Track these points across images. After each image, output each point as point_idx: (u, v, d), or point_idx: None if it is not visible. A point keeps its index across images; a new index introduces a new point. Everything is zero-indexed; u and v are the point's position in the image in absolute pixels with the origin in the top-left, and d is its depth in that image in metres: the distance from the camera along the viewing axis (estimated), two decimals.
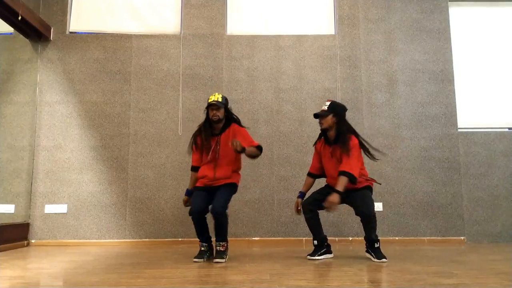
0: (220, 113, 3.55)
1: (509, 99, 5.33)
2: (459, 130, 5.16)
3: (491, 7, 5.50)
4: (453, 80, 5.24)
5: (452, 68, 5.26)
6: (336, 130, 3.52)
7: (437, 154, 5.07)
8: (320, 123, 3.58)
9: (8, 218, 4.74)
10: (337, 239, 4.79)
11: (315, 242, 3.61)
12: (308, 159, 5.00)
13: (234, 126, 3.65)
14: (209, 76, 5.14)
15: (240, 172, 3.78)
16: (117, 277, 2.70)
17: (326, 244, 3.63)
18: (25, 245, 4.66)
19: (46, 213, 4.82)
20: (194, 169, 3.70)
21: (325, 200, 3.32)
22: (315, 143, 3.78)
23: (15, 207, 4.83)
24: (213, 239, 3.58)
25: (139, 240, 4.80)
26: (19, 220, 4.76)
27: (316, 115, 3.58)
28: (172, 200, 4.88)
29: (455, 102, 5.20)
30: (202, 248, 3.53)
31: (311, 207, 3.59)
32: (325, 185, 3.70)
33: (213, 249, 3.57)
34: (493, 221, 4.99)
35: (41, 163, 4.92)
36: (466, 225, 4.96)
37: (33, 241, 4.77)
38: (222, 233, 3.49)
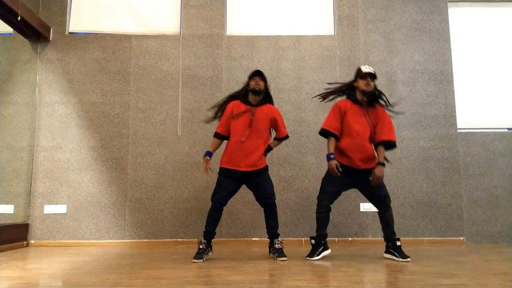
0: (262, 85, 3.51)
1: (509, 99, 5.34)
2: (458, 130, 5.17)
3: (490, 8, 5.50)
4: (453, 80, 5.24)
5: (452, 68, 5.26)
6: (372, 95, 3.53)
7: (437, 154, 5.07)
8: (369, 85, 3.47)
9: (7, 218, 4.73)
10: (336, 239, 4.79)
11: (313, 241, 3.60)
12: (308, 159, 5.01)
13: (270, 106, 3.63)
14: (208, 76, 5.14)
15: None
16: (116, 277, 2.70)
17: (323, 242, 3.61)
18: (24, 245, 4.66)
19: (46, 214, 4.82)
20: (218, 136, 3.63)
21: (372, 177, 3.35)
22: (335, 102, 3.68)
23: (14, 207, 4.82)
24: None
25: (138, 240, 4.80)
26: (18, 220, 4.75)
27: (373, 75, 3.47)
28: (171, 201, 4.88)
29: (454, 103, 5.20)
30: (201, 246, 3.42)
31: (330, 202, 3.57)
32: (342, 172, 3.46)
33: (212, 248, 3.53)
34: (492, 222, 4.99)
35: (41, 163, 4.92)
36: (466, 225, 4.96)
37: (32, 241, 4.76)
38: (277, 225, 3.53)
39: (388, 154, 5.00)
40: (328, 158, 3.44)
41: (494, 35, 5.46)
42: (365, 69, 3.50)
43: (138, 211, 4.86)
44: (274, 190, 3.62)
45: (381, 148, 3.43)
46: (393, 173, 5.01)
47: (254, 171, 3.53)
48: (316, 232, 3.61)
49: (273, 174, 4.98)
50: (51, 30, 5.17)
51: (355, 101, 3.56)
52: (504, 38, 5.46)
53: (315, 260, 3.49)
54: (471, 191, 5.04)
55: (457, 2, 5.50)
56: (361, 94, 3.54)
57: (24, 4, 4.59)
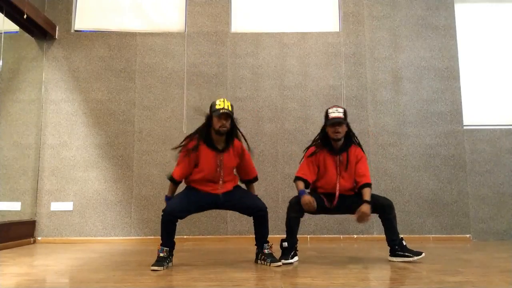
0: (229, 124, 3.06)
1: None
2: (464, 127, 5.14)
3: (496, 4, 5.45)
4: (459, 77, 5.21)
5: (458, 65, 5.22)
6: (345, 139, 3.30)
7: (443, 151, 5.05)
8: (338, 132, 3.20)
9: (14, 215, 4.77)
10: (341, 236, 4.79)
11: (286, 244, 3.27)
12: None
13: (237, 144, 3.19)
14: (213, 73, 5.14)
15: None
16: (123, 274, 2.71)
17: (296, 246, 3.35)
18: (31, 242, 4.70)
19: (52, 211, 4.85)
20: (176, 182, 3.20)
21: (357, 212, 3.10)
22: (310, 152, 3.34)
23: (21, 204, 4.86)
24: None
25: (144, 237, 4.82)
26: (25, 217, 4.79)
27: (338, 122, 3.18)
28: None
29: (460, 99, 5.16)
30: (162, 254, 2.96)
31: (301, 207, 3.24)
32: (312, 190, 3.37)
33: (173, 256, 3.07)
34: (498, 219, 4.96)
35: (47, 161, 4.95)
36: (472, 222, 4.94)
37: (39, 238, 4.80)
38: (267, 232, 3.22)
39: (394, 150, 5.01)
40: (301, 194, 3.18)
41: (500, 32, 5.41)
42: (332, 113, 3.24)
43: (144, 208, 4.88)
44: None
45: (366, 189, 3.21)
46: (399, 170, 4.99)
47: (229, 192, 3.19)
48: (285, 241, 3.30)
49: (278, 171, 4.99)
50: (57, 28, 5.19)
51: (329, 149, 3.29)
52: (510, 35, 5.40)
53: (290, 262, 3.18)
54: (477, 188, 5.01)
55: None
56: (332, 141, 3.28)
57: (30, 2, 4.61)
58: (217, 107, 3.02)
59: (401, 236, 3.30)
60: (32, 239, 4.72)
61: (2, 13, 4.45)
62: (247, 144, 3.22)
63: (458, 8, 5.41)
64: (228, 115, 3.03)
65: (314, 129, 5.05)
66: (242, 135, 3.23)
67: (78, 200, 4.88)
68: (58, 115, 5.04)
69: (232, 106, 3.10)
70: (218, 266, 3.06)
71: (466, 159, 5.05)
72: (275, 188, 4.93)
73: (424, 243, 4.57)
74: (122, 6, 5.38)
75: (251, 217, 3.27)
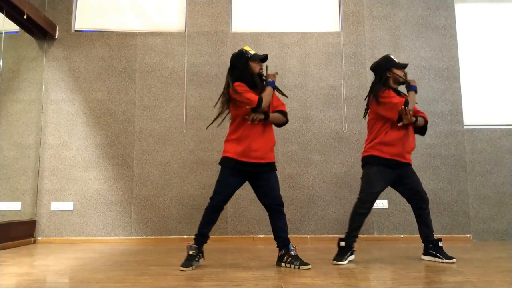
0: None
1: None
2: (465, 127, 5.13)
3: (497, 4, 5.45)
4: (459, 77, 5.21)
5: (458, 65, 5.22)
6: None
7: (443, 151, 5.04)
8: (406, 74, 3.35)
9: (14, 215, 4.77)
10: (342, 236, 4.77)
11: (343, 243, 3.19)
12: (313, 156, 5.00)
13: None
14: (213, 73, 5.14)
15: None
16: (123, 274, 2.71)
17: (352, 245, 3.25)
18: (32, 242, 4.70)
19: (52, 211, 4.85)
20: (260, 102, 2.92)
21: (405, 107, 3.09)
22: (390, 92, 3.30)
23: (21, 204, 4.86)
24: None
25: (144, 237, 4.82)
26: (25, 217, 4.79)
27: (407, 65, 3.40)
28: (177, 198, 4.90)
29: (461, 99, 5.16)
30: (191, 252, 2.94)
31: (372, 204, 3.25)
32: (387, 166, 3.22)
33: (203, 254, 3.06)
34: (499, 219, 4.96)
35: (47, 161, 4.95)
36: (472, 222, 4.94)
37: (39, 238, 4.80)
38: (287, 230, 3.08)
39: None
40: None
41: (500, 32, 5.41)
42: (396, 58, 3.41)
43: (144, 208, 4.88)
44: (281, 187, 3.29)
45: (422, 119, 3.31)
46: None
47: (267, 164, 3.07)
48: (343, 240, 3.22)
49: (278, 171, 4.95)
50: (57, 28, 5.19)
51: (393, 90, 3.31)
52: (511, 35, 5.40)
53: (343, 264, 3.11)
54: (478, 188, 5.01)
55: None
56: (396, 83, 3.34)
57: (30, 2, 4.61)
58: (252, 52, 3.05)
59: (439, 236, 3.27)
60: (32, 239, 4.72)
61: (3, 13, 4.46)
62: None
63: (459, 8, 5.41)
64: (266, 58, 3.08)
65: (315, 129, 5.06)
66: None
67: (78, 200, 4.89)
68: (58, 115, 5.05)
69: None
70: (218, 265, 3.06)
71: (466, 159, 5.05)
72: None
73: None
74: (122, 6, 5.38)
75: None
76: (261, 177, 3.08)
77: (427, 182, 4.97)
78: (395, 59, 3.38)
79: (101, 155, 4.98)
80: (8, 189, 4.90)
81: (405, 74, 3.34)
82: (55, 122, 5.03)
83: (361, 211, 3.24)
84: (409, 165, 3.32)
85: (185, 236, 4.80)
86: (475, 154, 5.07)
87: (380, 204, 4.86)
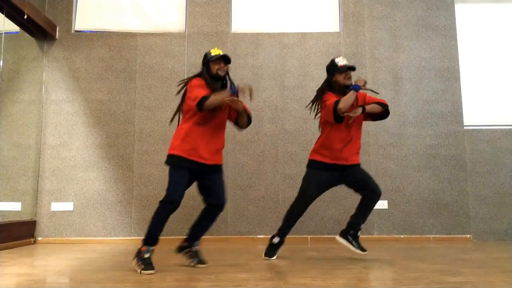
0: (226, 68, 3.03)
1: None
2: (465, 127, 5.13)
3: (497, 4, 5.45)
4: (459, 77, 5.21)
5: (458, 65, 5.22)
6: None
7: (443, 151, 5.04)
8: (350, 77, 3.38)
9: (14, 215, 4.77)
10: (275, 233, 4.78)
11: (276, 240, 3.41)
12: None
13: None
14: None
15: None
16: (123, 274, 2.71)
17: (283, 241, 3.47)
18: (32, 242, 4.70)
19: (52, 211, 4.85)
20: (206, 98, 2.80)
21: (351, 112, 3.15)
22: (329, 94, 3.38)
23: (21, 205, 4.86)
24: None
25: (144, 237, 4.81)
26: (25, 217, 4.79)
27: (350, 67, 3.36)
28: None
29: (461, 100, 5.16)
30: (147, 255, 2.86)
31: (306, 207, 3.41)
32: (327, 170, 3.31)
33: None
34: (499, 219, 4.96)
35: (47, 161, 4.95)
36: (472, 223, 4.93)
37: (39, 238, 4.80)
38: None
39: (394, 151, 5.00)
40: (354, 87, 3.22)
41: (500, 32, 5.41)
42: (341, 61, 3.40)
43: (144, 209, 4.88)
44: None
45: (377, 105, 3.27)
46: (399, 170, 4.99)
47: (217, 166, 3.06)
48: (277, 235, 3.43)
49: (278, 171, 4.99)
50: (57, 29, 5.19)
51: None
52: (511, 35, 5.40)
53: (272, 260, 3.36)
54: (478, 189, 5.01)
55: None
56: (342, 87, 3.33)
57: (31, 2, 4.61)
58: (214, 53, 2.99)
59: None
60: (32, 239, 4.72)
61: (3, 13, 4.46)
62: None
63: (459, 8, 5.41)
64: (227, 60, 3.00)
65: (315, 129, 5.05)
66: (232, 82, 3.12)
67: (78, 200, 4.89)
68: (58, 115, 5.05)
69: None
70: (218, 266, 3.06)
71: (466, 159, 5.05)
72: (275, 189, 4.93)
73: (425, 243, 4.57)
74: (122, 6, 5.38)
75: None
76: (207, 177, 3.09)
77: (427, 182, 4.98)
78: (339, 63, 3.41)
79: (101, 156, 4.98)
80: (8, 189, 4.90)
81: (362, 81, 3.30)
82: (55, 123, 5.03)
83: (295, 211, 3.46)
84: (355, 166, 3.35)
85: (185, 236, 4.79)
86: (475, 155, 5.07)
87: (381, 204, 4.85)
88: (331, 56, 5.22)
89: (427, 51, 5.24)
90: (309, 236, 4.80)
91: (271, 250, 3.43)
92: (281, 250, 3.92)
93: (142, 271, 2.72)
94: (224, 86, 3.08)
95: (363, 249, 3.29)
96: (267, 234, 4.80)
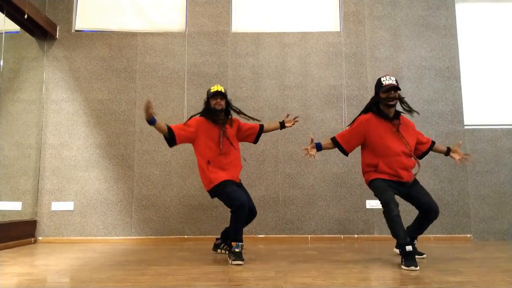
0: (223, 103, 3.57)
1: None
2: (465, 127, 5.13)
3: (497, 3, 5.44)
4: (460, 77, 5.20)
5: (459, 65, 5.22)
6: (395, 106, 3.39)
7: None
8: (395, 98, 3.30)
9: (15, 215, 4.77)
10: (342, 236, 4.78)
11: (409, 248, 2.92)
12: None
13: (235, 119, 3.73)
14: (214, 73, 5.15)
15: None
16: (123, 274, 2.72)
17: (414, 244, 3.12)
18: (32, 242, 4.70)
19: (53, 211, 4.86)
20: (171, 130, 3.42)
21: (457, 158, 3.55)
22: (361, 119, 3.39)
23: (22, 204, 4.86)
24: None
25: (145, 237, 4.82)
26: (26, 217, 4.80)
27: (396, 87, 3.25)
28: (177, 198, 4.90)
29: (461, 99, 5.16)
30: (238, 250, 3.26)
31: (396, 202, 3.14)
32: (385, 182, 3.30)
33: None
34: (499, 219, 4.96)
35: (48, 160, 4.95)
36: (472, 222, 4.93)
37: (40, 238, 4.80)
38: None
39: None
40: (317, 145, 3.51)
41: (501, 31, 5.40)
42: (387, 81, 3.29)
43: (144, 208, 4.88)
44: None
45: (436, 146, 3.69)
46: None
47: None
48: (402, 244, 2.97)
49: (278, 171, 4.99)
50: (58, 28, 5.19)
51: (382, 115, 3.35)
52: (511, 35, 5.41)
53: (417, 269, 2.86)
54: (478, 188, 5.01)
55: None
56: (386, 107, 3.34)
57: (31, 2, 4.61)
58: (212, 90, 3.53)
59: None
60: (33, 239, 4.73)
61: (3, 13, 4.46)
62: (247, 116, 3.72)
63: (459, 7, 5.40)
64: (222, 95, 3.52)
65: (315, 129, 5.07)
66: (240, 111, 3.69)
67: (78, 200, 4.89)
68: (59, 115, 5.05)
69: (224, 89, 3.58)
70: (219, 265, 3.06)
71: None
72: (276, 188, 4.93)
73: (425, 243, 4.57)
74: (122, 6, 5.38)
75: (249, 218, 3.60)
76: None
77: (427, 182, 4.97)
78: (384, 82, 3.32)
79: (101, 155, 4.98)
80: (8, 189, 4.91)
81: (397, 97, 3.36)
82: (55, 122, 5.03)
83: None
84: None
85: (185, 236, 4.81)
86: (476, 154, 5.07)
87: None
88: (331, 55, 5.23)
89: (427, 51, 5.24)
90: (309, 236, 4.81)
91: (411, 257, 2.91)
92: (281, 250, 3.94)
93: (232, 262, 3.15)
94: (227, 115, 3.64)
95: (419, 253, 3.36)
96: (267, 233, 4.80)
